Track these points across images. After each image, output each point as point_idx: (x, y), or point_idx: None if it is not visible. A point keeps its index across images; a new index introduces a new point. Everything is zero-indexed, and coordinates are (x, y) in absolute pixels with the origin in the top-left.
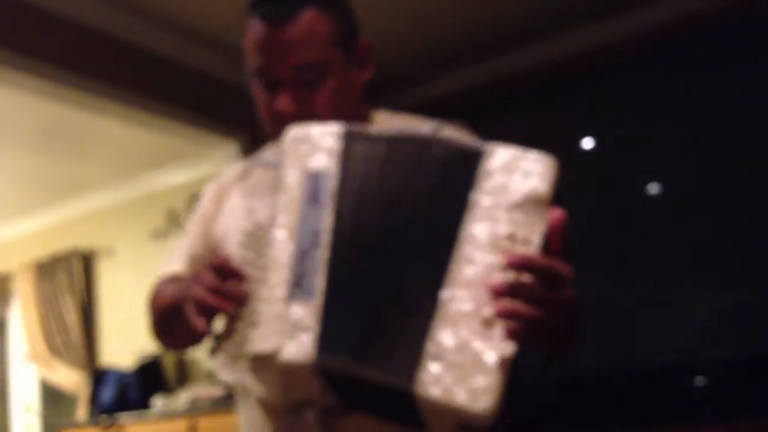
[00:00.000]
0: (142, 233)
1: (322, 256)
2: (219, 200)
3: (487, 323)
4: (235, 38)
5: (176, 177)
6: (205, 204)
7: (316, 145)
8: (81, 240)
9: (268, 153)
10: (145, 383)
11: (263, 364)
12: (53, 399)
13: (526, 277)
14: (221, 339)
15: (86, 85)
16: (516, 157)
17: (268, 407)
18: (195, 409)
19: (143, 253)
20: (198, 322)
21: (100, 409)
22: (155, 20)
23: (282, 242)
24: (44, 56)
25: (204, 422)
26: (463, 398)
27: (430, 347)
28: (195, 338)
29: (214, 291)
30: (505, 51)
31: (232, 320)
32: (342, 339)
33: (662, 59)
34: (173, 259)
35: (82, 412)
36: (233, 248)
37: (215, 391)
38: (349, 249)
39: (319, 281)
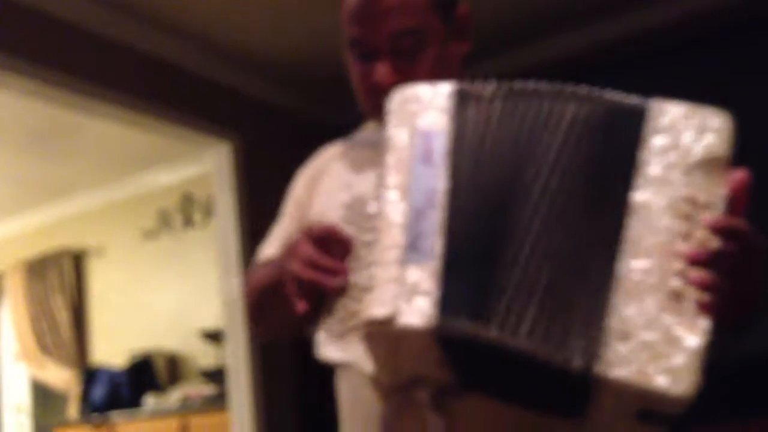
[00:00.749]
0: (134, 233)
1: (438, 216)
2: (313, 183)
3: (676, 296)
4: (227, 38)
5: (168, 177)
6: (298, 188)
7: (427, 103)
8: (72, 240)
9: (364, 132)
10: (136, 382)
11: (376, 332)
12: (44, 398)
13: (722, 245)
14: (323, 315)
15: (77, 86)
16: (688, 114)
17: (375, 386)
18: (186, 408)
19: (134, 253)
20: (298, 303)
21: (91, 407)
22: (146, 21)
23: (394, 203)
24: (35, 57)
25: (195, 421)
26: (663, 381)
27: (612, 323)
28: (295, 321)
29: (313, 264)
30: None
31: (335, 294)
32: (466, 304)
33: None
34: (267, 245)
35: (73, 410)
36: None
37: (207, 390)
38: (470, 209)
39: (436, 243)
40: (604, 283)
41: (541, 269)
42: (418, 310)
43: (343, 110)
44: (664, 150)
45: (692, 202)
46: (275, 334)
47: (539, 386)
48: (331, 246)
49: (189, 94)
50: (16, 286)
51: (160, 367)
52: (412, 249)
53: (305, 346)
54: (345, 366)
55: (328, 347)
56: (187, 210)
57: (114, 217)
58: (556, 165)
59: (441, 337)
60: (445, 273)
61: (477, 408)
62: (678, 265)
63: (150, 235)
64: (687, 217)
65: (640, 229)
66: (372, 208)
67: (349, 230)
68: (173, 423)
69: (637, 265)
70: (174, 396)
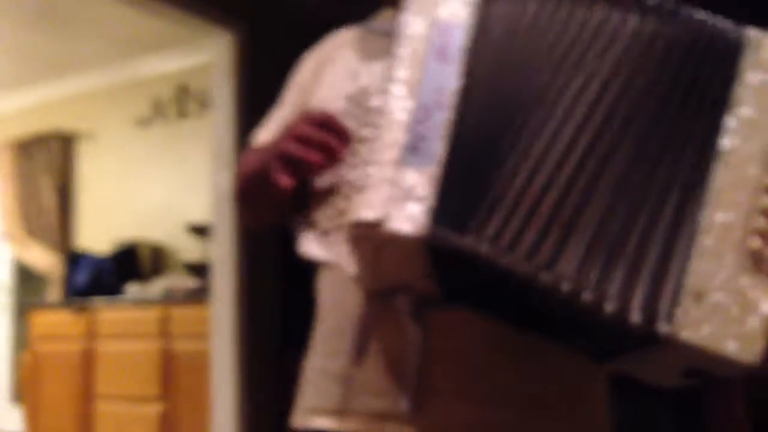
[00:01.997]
0: (126, 120)
1: (445, 118)
2: (319, 69)
3: (755, 256)
4: None
5: (165, 65)
6: (302, 72)
7: None
8: (62, 121)
9: (379, 20)
10: (119, 270)
11: (363, 234)
12: (27, 279)
13: None
14: (310, 210)
15: None
16: None
17: (357, 288)
18: (169, 299)
19: (125, 140)
20: (281, 177)
21: (73, 292)
22: None
23: (399, 98)
24: None
25: (177, 312)
26: (733, 347)
27: (687, 279)
28: (279, 205)
29: (306, 141)
30: None
31: (327, 189)
32: (460, 216)
33: None
34: (264, 128)
35: (54, 293)
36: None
37: (190, 283)
38: (482, 115)
39: (439, 146)
40: (680, 232)
41: (568, 193)
42: (409, 217)
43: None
44: (762, 89)
45: None
46: (261, 220)
47: (546, 316)
48: (329, 130)
49: None
50: (3, 164)
51: (145, 257)
52: (413, 150)
53: (290, 243)
54: (327, 265)
55: (312, 244)
56: (182, 100)
57: (107, 101)
58: (611, 79)
59: (429, 248)
60: (443, 180)
61: (456, 320)
62: (761, 222)
63: (143, 123)
64: None
65: (724, 177)
66: (376, 102)
67: (348, 123)
68: (155, 313)
69: (718, 217)
70: (157, 286)
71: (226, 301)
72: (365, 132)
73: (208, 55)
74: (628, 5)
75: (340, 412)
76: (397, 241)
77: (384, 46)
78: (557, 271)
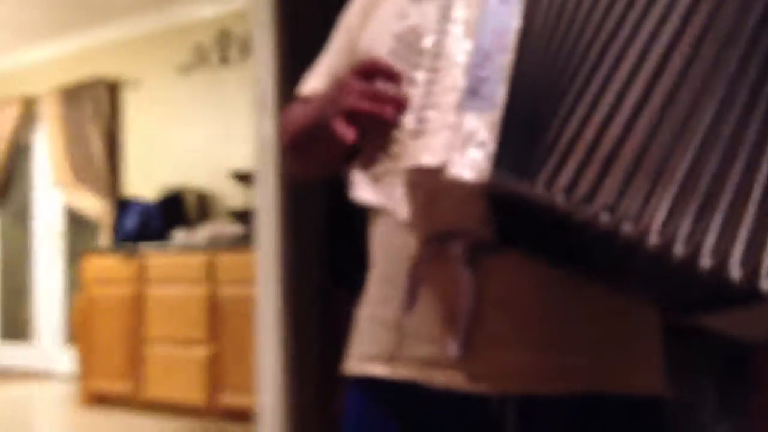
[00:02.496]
0: (168, 66)
1: (506, 61)
2: (367, 9)
3: None
4: None
5: (206, 10)
6: (349, 14)
7: None
8: (107, 68)
9: None
10: (166, 216)
11: (423, 180)
12: (78, 225)
13: None
14: (362, 154)
15: None
16: None
17: (410, 233)
18: (214, 245)
19: (168, 87)
20: (346, 131)
21: (122, 237)
22: None
23: (458, 39)
24: None
25: (222, 258)
26: None
27: None
28: (336, 159)
29: (371, 96)
30: None
31: (379, 132)
32: (525, 162)
33: None
34: (311, 76)
35: (104, 239)
36: (379, 56)
37: (234, 229)
38: (544, 58)
39: (500, 91)
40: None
41: (649, 141)
42: (471, 162)
43: None
44: None
45: None
46: (312, 174)
47: (619, 266)
48: (382, 78)
49: None
50: (51, 112)
51: (190, 203)
52: (473, 94)
53: (334, 187)
54: (379, 210)
55: (365, 188)
56: (224, 46)
57: (149, 48)
58: (688, 22)
59: (491, 194)
60: (504, 125)
61: (509, 265)
62: None
63: (185, 69)
64: None
65: None
66: (426, 42)
67: (396, 63)
68: (201, 258)
69: None
70: (202, 233)
71: (270, 247)
72: (415, 73)
73: (247, 0)
74: None
75: (391, 359)
76: (457, 186)
77: None
78: (642, 224)
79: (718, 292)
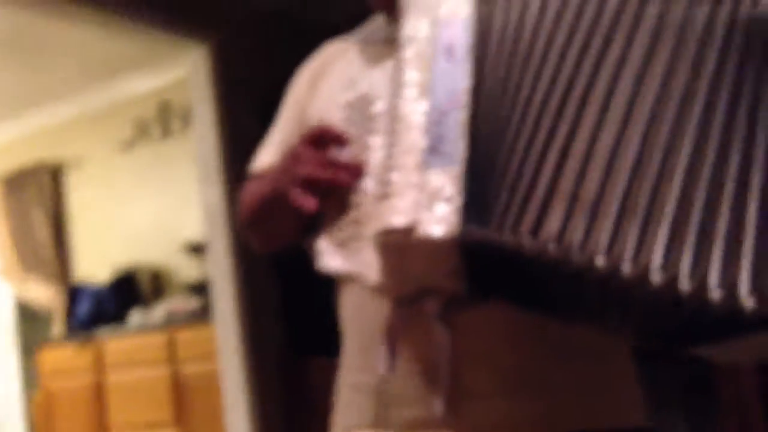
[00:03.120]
0: (111, 144)
1: (462, 117)
2: (314, 82)
3: None
4: None
5: (144, 84)
6: (297, 87)
7: None
8: (48, 152)
9: (372, 27)
10: (120, 297)
11: (395, 241)
12: (29, 317)
13: None
14: (325, 223)
15: None
16: None
17: (380, 296)
18: (172, 322)
19: (112, 165)
20: (305, 201)
21: (76, 324)
22: None
23: (412, 100)
24: None
25: (182, 335)
26: None
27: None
28: (297, 229)
29: (324, 164)
30: None
31: (339, 199)
32: (492, 211)
33: None
34: (264, 151)
35: (58, 328)
36: (332, 125)
37: (192, 304)
38: (499, 109)
39: (459, 146)
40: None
41: (626, 177)
42: (440, 218)
43: (331, 5)
44: None
45: None
46: (274, 246)
47: (601, 305)
48: (330, 148)
49: None
50: None
51: (144, 281)
52: (434, 152)
53: (286, 252)
54: (348, 277)
55: (331, 257)
56: (165, 118)
57: (90, 127)
58: (648, 64)
59: (463, 247)
60: (468, 177)
61: (483, 319)
62: None
63: (128, 145)
64: None
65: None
66: (378, 107)
67: (349, 131)
68: (160, 338)
69: None
70: (159, 311)
71: (229, 318)
72: (370, 138)
73: (186, 70)
74: None
75: (378, 425)
76: (428, 244)
77: (380, 53)
78: (641, 263)
79: (728, 322)
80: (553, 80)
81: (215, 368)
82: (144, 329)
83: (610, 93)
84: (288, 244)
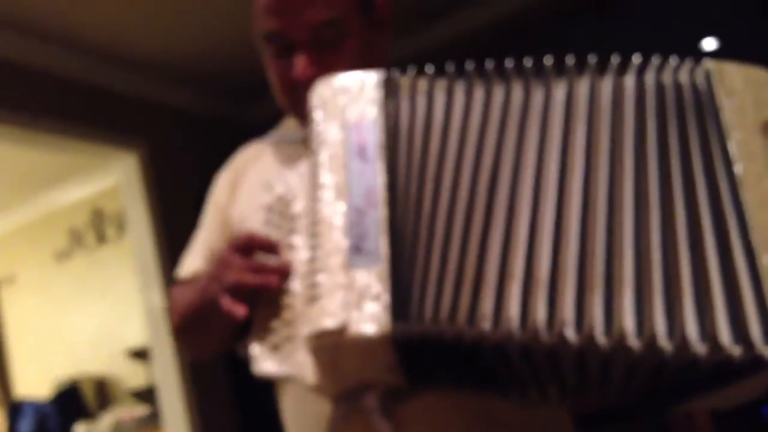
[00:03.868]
0: (45, 256)
1: (381, 214)
2: (233, 186)
3: None
4: (127, 48)
5: (76, 194)
6: (217, 193)
7: (355, 94)
8: None
9: (284, 130)
10: (64, 411)
11: (327, 343)
12: None
13: None
14: (256, 328)
15: None
16: (744, 72)
17: (319, 396)
18: None
19: (48, 276)
20: (235, 308)
21: None
22: (40, 35)
23: (329, 203)
24: None
25: None
26: None
27: (759, 300)
28: (229, 335)
29: (252, 269)
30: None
31: (268, 303)
32: (421, 305)
33: None
34: (189, 257)
35: None
36: (254, 229)
37: (139, 411)
38: (417, 204)
39: (382, 243)
40: (731, 257)
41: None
42: (371, 317)
43: (255, 108)
44: (740, 111)
45: None
46: (207, 353)
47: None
48: (256, 253)
49: (91, 106)
50: None
51: (89, 392)
52: (357, 251)
53: (237, 356)
54: (285, 379)
55: (265, 361)
56: (99, 226)
57: (22, 241)
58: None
59: (397, 342)
60: (393, 274)
61: (426, 409)
62: None
63: (62, 256)
64: None
65: (751, 198)
66: (297, 207)
67: (271, 233)
68: None
69: (763, 236)
70: (105, 421)
71: (178, 424)
72: (291, 239)
73: (117, 177)
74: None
75: None
76: (361, 342)
77: (294, 154)
78: (617, 332)
79: (716, 373)
80: (468, 172)
81: None
82: None
83: (526, 176)
84: (220, 350)
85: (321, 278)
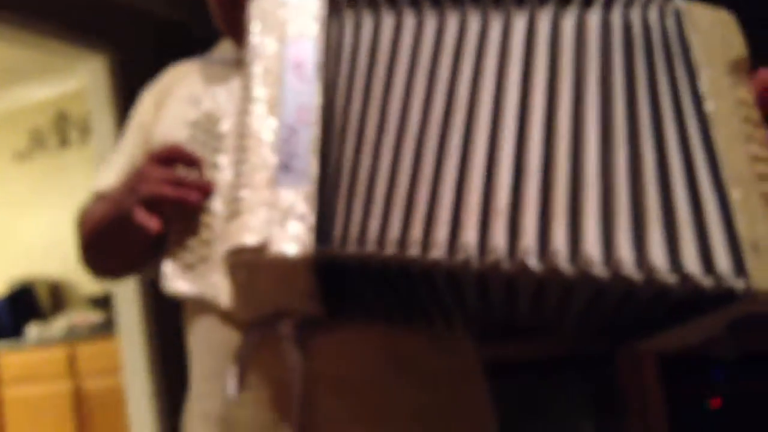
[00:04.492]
0: (4, 155)
1: (313, 134)
2: (158, 103)
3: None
4: None
5: (40, 93)
6: (141, 110)
7: (296, 9)
8: None
9: (219, 50)
10: (17, 311)
11: (246, 260)
12: None
13: None
14: (171, 244)
15: None
16: (710, 13)
17: (232, 321)
18: (73, 336)
19: (5, 176)
20: (149, 221)
21: None
22: None
23: (262, 118)
24: None
25: (83, 350)
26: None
27: (728, 232)
28: (138, 254)
29: (172, 182)
30: None
31: (185, 219)
32: (345, 228)
33: None
34: (105, 171)
35: None
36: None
37: (94, 317)
38: (350, 126)
39: (311, 163)
40: (700, 191)
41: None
42: (294, 237)
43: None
44: (707, 47)
45: (743, 103)
46: (118, 270)
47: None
48: (177, 167)
49: (61, 4)
50: None
51: (43, 294)
52: (285, 170)
53: None
54: (196, 300)
55: (178, 280)
56: (63, 128)
57: None
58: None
59: (319, 266)
60: (321, 196)
61: (339, 342)
62: (762, 167)
63: (21, 156)
64: (746, 120)
65: (720, 134)
66: (225, 126)
67: (196, 150)
68: (60, 352)
69: (734, 171)
70: (59, 324)
71: (134, 330)
72: (216, 157)
73: (84, 81)
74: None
75: None
76: (281, 263)
77: (225, 73)
78: (579, 258)
79: (680, 306)
80: (419, 100)
81: (119, 383)
82: (43, 343)
83: (464, 105)
84: (132, 269)
85: (244, 193)
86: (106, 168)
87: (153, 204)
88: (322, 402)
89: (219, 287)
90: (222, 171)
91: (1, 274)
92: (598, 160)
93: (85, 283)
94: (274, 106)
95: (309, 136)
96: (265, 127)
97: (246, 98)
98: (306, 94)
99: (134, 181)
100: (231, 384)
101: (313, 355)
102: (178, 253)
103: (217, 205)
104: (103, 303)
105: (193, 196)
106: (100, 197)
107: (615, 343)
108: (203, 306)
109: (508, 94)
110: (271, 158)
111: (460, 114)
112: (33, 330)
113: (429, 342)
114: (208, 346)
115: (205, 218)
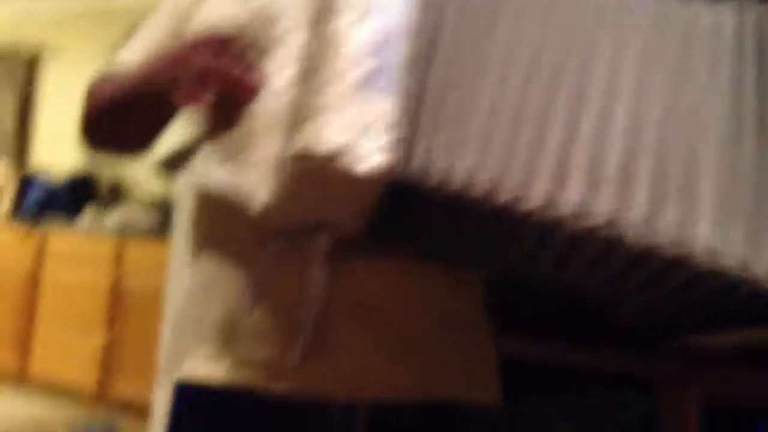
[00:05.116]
0: (97, 41)
1: (410, 48)
2: None
3: None
4: None
5: None
6: None
7: None
8: (27, 37)
9: None
10: (77, 195)
11: (310, 166)
12: None
13: None
14: (215, 131)
15: None
16: None
17: (259, 222)
18: (125, 232)
19: (94, 61)
20: (197, 93)
21: (24, 210)
22: None
23: (351, 23)
24: None
25: (132, 247)
26: None
27: None
28: (159, 126)
29: (220, 66)
30: None
31: (229, 112)
32: (435, 149)
33: None
34: (129, 51)
35: (5, 206)
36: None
37: (150, 218)
38: (454, 41)
39: (404, 74)
40: None
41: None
42: (378, 148)
43: None
44: None
45: None
46: (123, 148)
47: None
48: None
49: None
50: None
51: (103, 186)
52: (377, 75)
53: None
54: (223, 192)
55: (215, 169)
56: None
57: (77, 21)
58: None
59: (392, 185)
60: (411, 112)
61: (366, 268)
62: None
63: (114, 47)
64: None
65: None
66: (281, 27)
67: (250, 35)
68: (108, 245)
69: None
70: (114, 217)
71: (186, 242)
72: (279, 51)
73: None
74: None
75: (224, 360)
76: (353, 176)
77: None
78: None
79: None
80: (519, 25)
81: (159, 286)
82: (94, 231)
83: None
84: (141, 145)
85: (329, 91)
86: (127, 49)
87: (205, 79)
88: (339, 326)
89: (261, 183)
90: (284, 68)
91: (69, 156)
92: (720, 149)
93: (148, 184)
94: (365, 13)
95: (404, 49)
96: (361, 29)
97: (282, 13)
98: (403, 5)
99: (187, 51)
100: (244, 292)
101: (340, 276)
102: (221, 140)
103: (270, 100)
104: (162, 207)
105: (252, 79)
106: (117, 73)
107: (672, 335)
108: (227, 198)
109: (625, 66)
110: (365, 59)
111: (575, 59)
112: (87, 216)
113: (460, 292)
114: (222, 241)
115: (254, 110)
